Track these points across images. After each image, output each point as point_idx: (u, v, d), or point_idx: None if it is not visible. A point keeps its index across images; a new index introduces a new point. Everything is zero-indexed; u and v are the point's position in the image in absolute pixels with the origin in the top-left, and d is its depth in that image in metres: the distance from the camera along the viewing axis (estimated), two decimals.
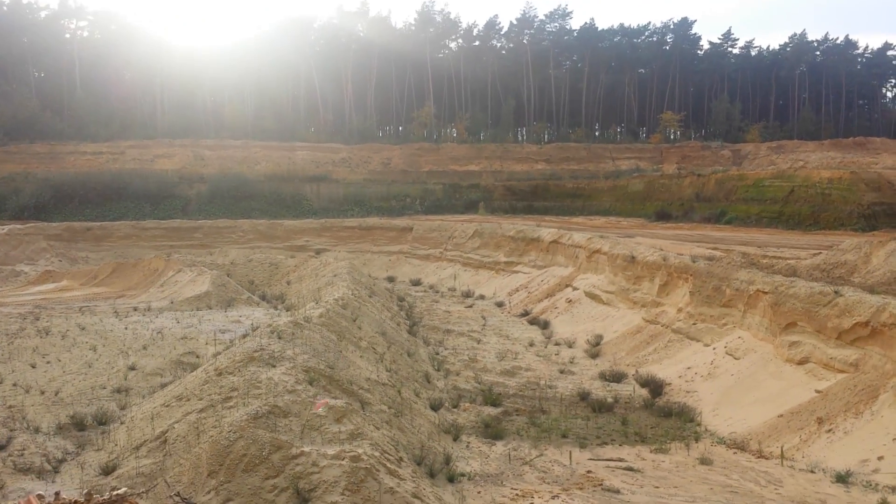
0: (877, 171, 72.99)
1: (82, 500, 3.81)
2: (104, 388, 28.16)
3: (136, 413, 24.35)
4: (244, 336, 32.08)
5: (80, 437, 22.74)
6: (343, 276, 49.75)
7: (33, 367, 30.91)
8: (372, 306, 42.48)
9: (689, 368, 33.18)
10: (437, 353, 37.47)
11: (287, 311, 44.01)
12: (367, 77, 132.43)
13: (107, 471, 19.84)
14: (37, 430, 22.70)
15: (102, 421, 23.92)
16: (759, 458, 23.44)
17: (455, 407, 28.08)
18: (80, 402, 26.29)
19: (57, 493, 3.87)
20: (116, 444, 21.67)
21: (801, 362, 28.39)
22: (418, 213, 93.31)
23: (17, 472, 19.25)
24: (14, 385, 27.86)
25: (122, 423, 23.68)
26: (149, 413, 23.46)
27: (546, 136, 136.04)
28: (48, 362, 31.85)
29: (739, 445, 24.58)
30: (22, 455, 20.36)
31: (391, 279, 68.53)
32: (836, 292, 28.70)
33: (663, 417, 27.79)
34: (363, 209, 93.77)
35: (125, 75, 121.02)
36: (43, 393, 27.00)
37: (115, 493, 4.01)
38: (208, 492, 17.68)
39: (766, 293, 32.42)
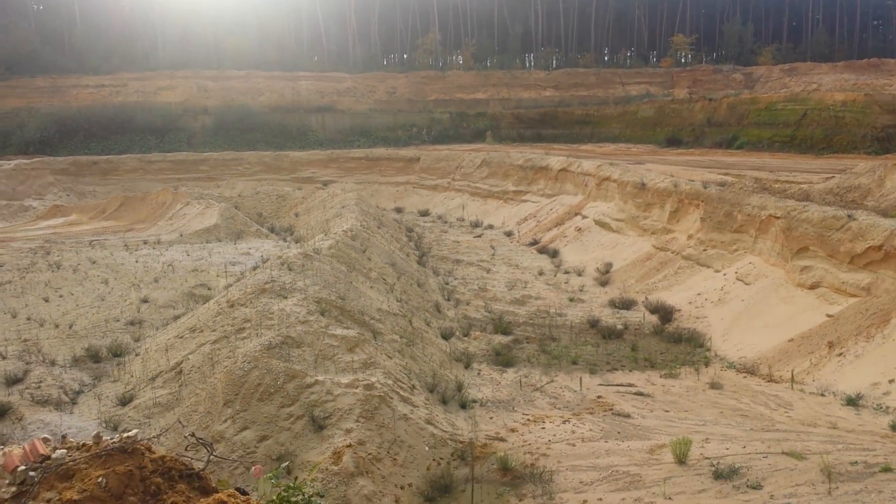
0: (891, 94, 71.45)
1: (90, 442, 3.80)
2: (117, 320, 28.44)
3: (151, 345, 24.64)
4: (254, 268, 32.20)
5: (95, 369, 23.06)
6: (351, 208, 49.60)
7: (46, 300, 31.17)
8: (381, 237, 42.44)
9: (699, 294, 33.22)
10: (447, 283, 37.60)
11: (296, 243, 44.05)
12: (370, 4, 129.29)
13: (124, 401, 20.16)
14: (53, 363, 23.00)
15: (117, 353, 24.24)
16: (769, 382, 23.61)
17: (466, 336, 28.29)
18: (95, 334, 26.58)
19: (64, 436, 3.81)
20: (132, 376, 21.98)
21: (813, 287, 28.33)
22: (425, 142, 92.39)
23: (35, 404, 19.57)
24: (28, 319, 28.14)
25: (136, 355, 23.98)
26: (163, 345, 23.73)
27: (554, 63, 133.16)
28: (61, 296, 32.12)
29: (749, 370, 24.74)
30: (39, 387, 20.67)
31: (399, 210, 68.42)
32: (849, 216, 28.41)
33: (673, 343, 27.95)
34: (369, 140, 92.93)
35: (124, 7, 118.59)
36: (57, 326, 27.29)
37: (125, 435, 3.97)
38: (225, 420, 17.95)
39: (778, 218, 32.17)
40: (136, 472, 3.30)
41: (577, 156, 63.61)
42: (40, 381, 21.20)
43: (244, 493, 3.87)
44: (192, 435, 4.86)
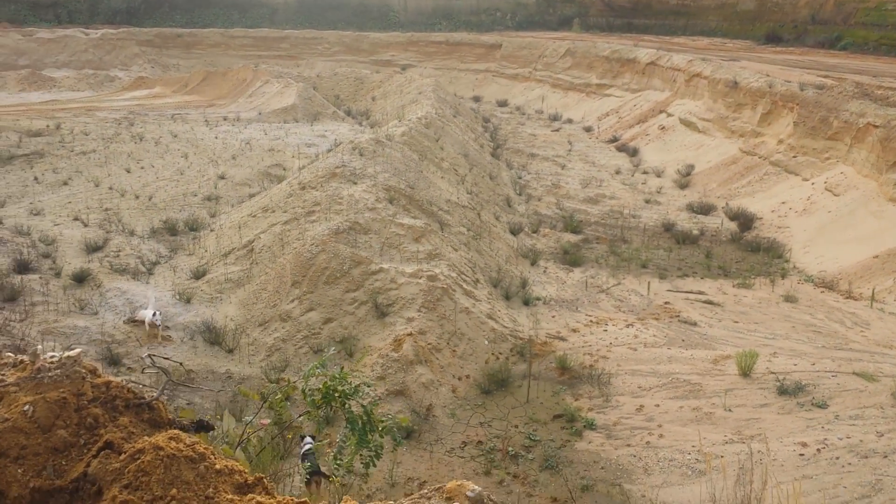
0: None
1: (28, 360, 3.14)
2: (195, 195, 29.08)
3: (225, 221, 25.18)
4: (328, 151, 32.21)
5: (172, 241, 23.78)
6: (428, 94, 48.71)
7: (128, 171, 32.08)
8: (455, 126, 41.74)
9: (783, 203, 31.72)
10: (520, 178, 36.94)
11: (371, 127, 43.79)
12: None
13: (197, 275, 20.82)
14: (132, 233, 23.81)
15: (193, 227, 24.88)
16: (847, 298, 22.63)
17: (535, 232, 27.91)
18: (173, 207, 27.30)
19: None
20: (206, 251, 22.59)
21: None
22: (508, 28, 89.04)
23: (113, 272, 20.38)
24: (110, 188, 29.06)
25: (211, 231, 24.58)
26: (236, 222, 24.22)
27: None
28: (142, 168, 32.97)
29: (828, 285, 23.73)
30: (118, 256, 21.48)
31: (477, 99, 66.89)
32: None
33: (750, 252, 26.95)
34: (451, 23, 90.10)
35: None
36: (137, 197, 28.11)
37: (65, 355, 3.22)
38: (292, 301, 18.38)
39: (876, 127, 29.99)
40: (72, 400, 2.77)
41: (667, 49, 60.29)
42: (119, 251, 22.02)
43: (206, 426, 3.32)
44: (149, 356, 4.26)
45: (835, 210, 29.15)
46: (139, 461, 2.31)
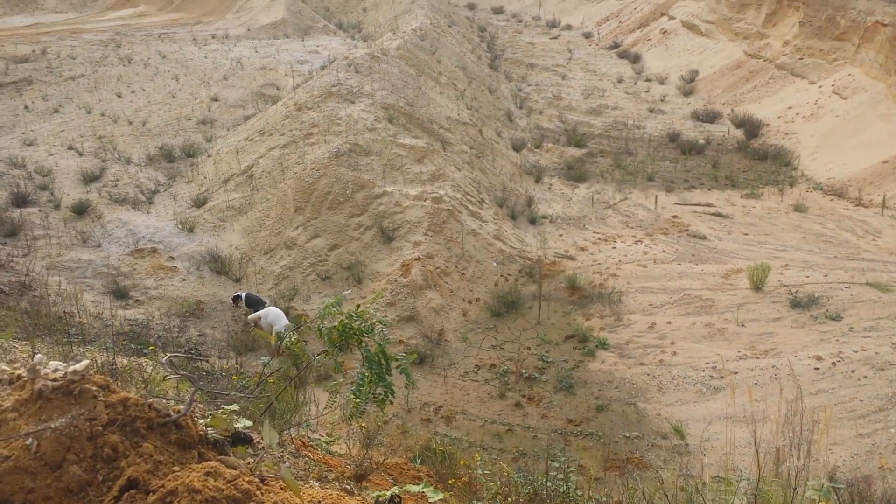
0: None
1: (25, 375, 2.31)
2: (189, 119, 28.33)
3: (222, 146, 24.59)
4: (322, 68, 31.25)
5: (169, 168, 23.26)
6: (421, 3, 47.00)
7: (119, 96, 31.18)
8: (452, 38, 40.41)
9: (789, 108, 31.02)
10: (520, 90, 36.01)
11: (364, 41, 42.40)
12: None
13: (198, 203, 20.43)
14: (128, 161, 23.27)
15: (190, 153, 24.30)
16: (857, 206, 22.36)
17: (538, 147, 27.34)
18: (167, 133, 26.63)
19: None
20: (205, 178, 22.12)
21: None
22: None
23: (113, 202, 19.99)
24: (102, 115, 28.29)
25: (208, 156, 24.02)
26: (234, 147, 23.64)
27: None
28: (133, 91, 32.04)
29: (837, 192, 23.42)
30: (116, 186, 21.04)
31: (471, 6, 64.64)
32: None
33: (757, 161, 26.51)
34: None
35: None
36: (131, 123, 27.40)
37: (71, 369, 2.29)
38: (296, 227, 18.09)
39: (885, 25, 29.01)
40: (84, 428, 2.24)
41: None
42: (117, 180, 21.57)
43: (244, 439, 2.79)
44: (170, 362, 3.44)
45: (843, 114, 28.51)
46: None
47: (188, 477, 1.97)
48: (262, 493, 2.00)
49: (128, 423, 2.27)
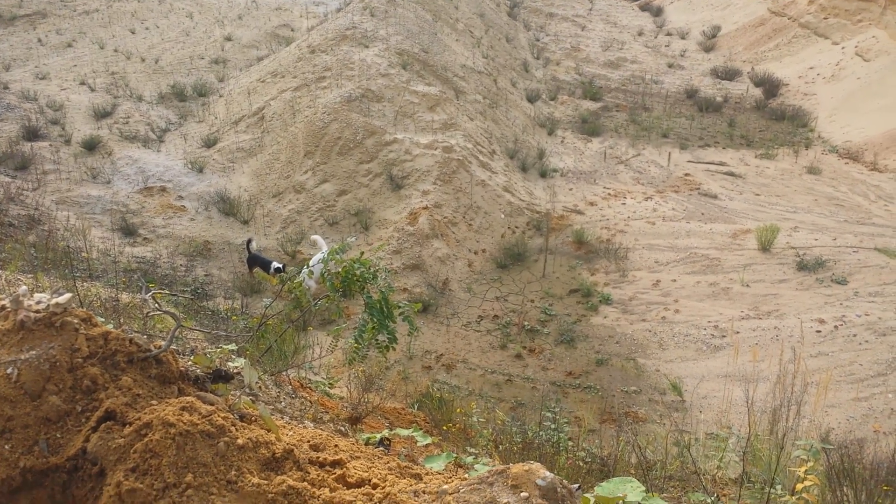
0: None
1: (8, 306, 2.31)
2: (202, 58, 28.11)
3: (234, 87, 24.42)
4: (337, 10, 30.78)
5: (181, 107, 23.17)
6: None
7: (132, 32, 30.92)
8: None
9: (811, 68, 30.39)
10: (538, 40, 35.39)
11: None
12: None
13: (208, 143, 20.39)
14: (140, 99, 23.18)
15: (202, 92, 24.16)
16: (872, 170, 22.06)
17: (552, 99, 26.99)
18: (180, 71, 26.45)
19: None
20: (216, 118, 22.04)
21: None
22: None
23: (123, 139, 19.98)
24: (115, 51, 28.10)
25: (220, 97, 23.88)
26: (245, 88, 23.47)
27: None
28: (147, 28, 31.75)
29: (853, 156, 23.08)
30: (127, 123, 20.99)
31: None
32: None
33: (774, 121, 26.09)
34: None
35: None
36: (143, 60, 27.21)
37: (54, 301, 2.29)
38: (305, 172, 18.07)
39: None
40: (64, 360, 2.23)
41: None
42: (128, 117, 21.52)
43: (224, 376, 2.78)
44: (153, 298, 3.48)
45: (864, 77, 27.93)
46: (147, 439, 1.93)
47: (164, 411, 1.99)
48: (236, 429, 2.02)
49: (108, 356, 2.29)
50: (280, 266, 14.34)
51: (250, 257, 14.93)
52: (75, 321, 2.29)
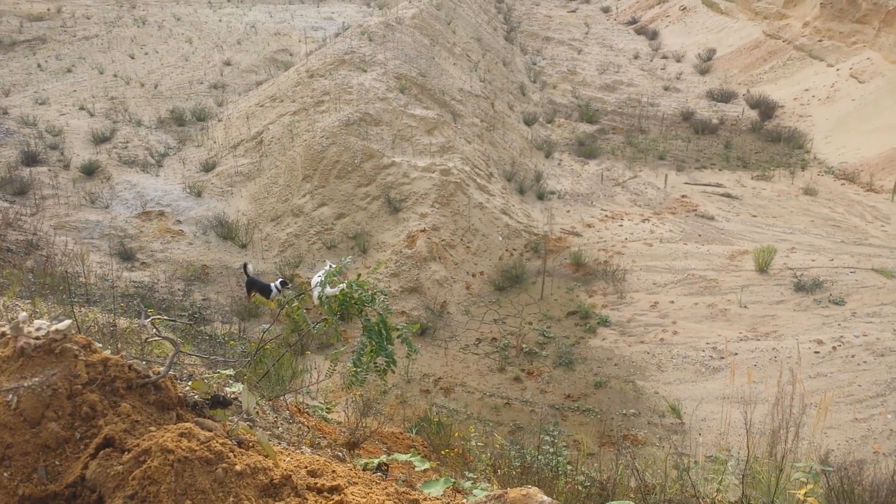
0: None
1: (9, 333, 2.32)
2: (201, 82, 28.31)
3: (233, 111, 24.58)
4: (336, 35, 31.06)
5: (180, 132, 23.29)
6: None
7: (132, 57, 31.15)
8: (467, 8, 40.00)
9: (806, 90, 30.65)
10: (535, 63, 35.70)
11: (379, 8, 42.05)
12: None
13: (207, 168, 20.48)
14: (139, 123, 23.30)
15: (201, 117, 24.31)
16: (868, 191, 22.18)
17: (549, 122, 27.17)
18: (179, 96, 26.63)
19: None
20: (215, 142, 22.15)
21: None
22: None
23: (122, 164, 20.07)
24: (115, 76, 28.29)
25: (219, 121, 24.03)
26: (244, 112, 23.62)
27: None
28: (146, 53, 32.00)
29: (849, 177, 23.22)
30: (126, 148, 21.09)
31: None
32: None
33: (770, 142, 26.27)
34: None
35: None
36: (143, 85, 27.39)
37: (53, 328, 2.36)
38: (304, 195, 18.13)
39: None
40: (63, 387, 2.25)
41: None
42: (127, 142, 21.62)
43: (223, 402, 2.80)
44: (152, 323, 3.45)
45: (859, 98, 28.16)
46: (145, 466, 1.95)
47: (162, 437, 2.00)
48: (234, 455, 2.03)
49: (107, 382, 2.31)
50: (284, 280, 14.42)
51: (249, 281, 14.94)
52: (75, 348, 2.30)
